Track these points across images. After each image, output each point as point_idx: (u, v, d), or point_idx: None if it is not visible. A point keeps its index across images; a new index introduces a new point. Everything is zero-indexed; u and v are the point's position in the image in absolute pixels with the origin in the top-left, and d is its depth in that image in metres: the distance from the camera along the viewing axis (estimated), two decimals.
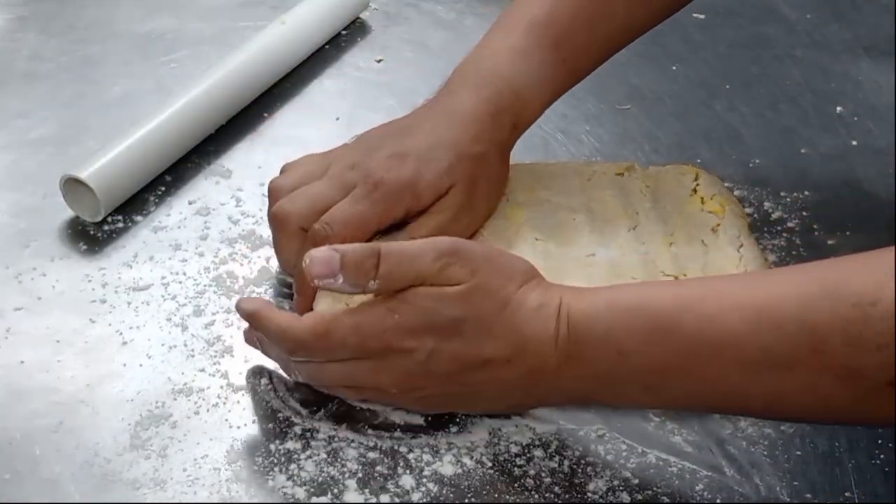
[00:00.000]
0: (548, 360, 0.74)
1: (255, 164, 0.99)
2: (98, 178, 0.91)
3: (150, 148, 0.95)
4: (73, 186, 0.92)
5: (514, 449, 0.78)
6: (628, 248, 0.88)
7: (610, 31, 0.92)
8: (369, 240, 0.83)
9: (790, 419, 0.77)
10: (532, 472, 0.76)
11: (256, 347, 0.81)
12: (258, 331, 0.79)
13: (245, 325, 0.81)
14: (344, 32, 1.14)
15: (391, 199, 0.83)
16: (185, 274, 0.89)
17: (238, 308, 0.80)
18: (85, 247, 0.91)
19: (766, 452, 0.78)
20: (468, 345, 0.74)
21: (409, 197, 0.84)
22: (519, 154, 0.98)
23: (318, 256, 0.75)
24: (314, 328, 0.75)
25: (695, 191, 0.93)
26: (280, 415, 0.79)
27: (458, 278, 0.74)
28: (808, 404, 0.70)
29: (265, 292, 0.87)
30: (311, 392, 0.80)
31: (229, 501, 0.74)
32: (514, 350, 0.74)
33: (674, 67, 1.09)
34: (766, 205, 0.96)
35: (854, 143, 1.04)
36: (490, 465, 0.77)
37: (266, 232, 0.92)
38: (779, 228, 0.94)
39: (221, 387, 0.81)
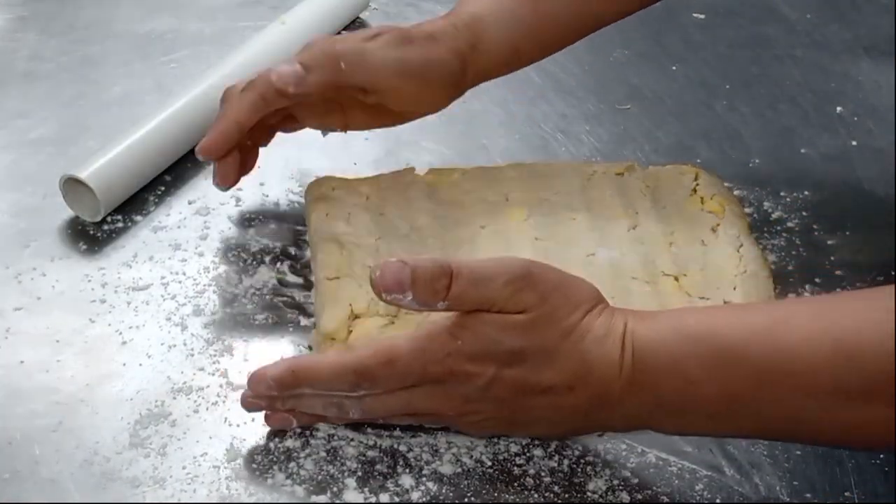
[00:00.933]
0: (611, 387, 0.73)
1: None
2: (98, 178, 0.91)
3: (150, 148, 0.95)
4: (73, 186, 0.92)
5: (514, 448, 0.77)
6: (628, 248, 0.88)
7: None
8: None
9: (861, 449, 0.76)
10: (532, 472, 0.76)
11: (286, 425, 0.77)
12: (299, 386, 0.75)
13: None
14: (344, 32, 1.14)
15: None
16: (184, 274, 0.89)
17: (265, 377, 0.75)
18: (85, 247, 0.91)
19: (766, 452, 0.78)
20: (530, 372, 0.73)
21: None
22: (519, 154, 0.98)
23: (391, 269, 0.72)
24: (377, 356, 0.73)
25: (695, 191, 0.93)
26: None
27: (527, 304, 0.72)
28: (882, 435, 0.70)
29: (265, 292, 0.87)
30: None
31: (228, 500, 0.74)
32: (577, 378, 0.73)
33: (674, 67, 1.09)
34: (766, 205, 0.96)
35: (854, 143, 1.04)
36: (489, 464, 0.77)
37: (266, 231, 0.92)
38: (779, 228, 0.94)
39: (221, 385, 0.81)
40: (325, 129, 0.95)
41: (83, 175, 0.91)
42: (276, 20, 1.09)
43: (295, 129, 0.94)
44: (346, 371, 0.74)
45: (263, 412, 0.77)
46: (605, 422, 0.75)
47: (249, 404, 0.77)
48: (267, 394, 0.76)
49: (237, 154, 0.90)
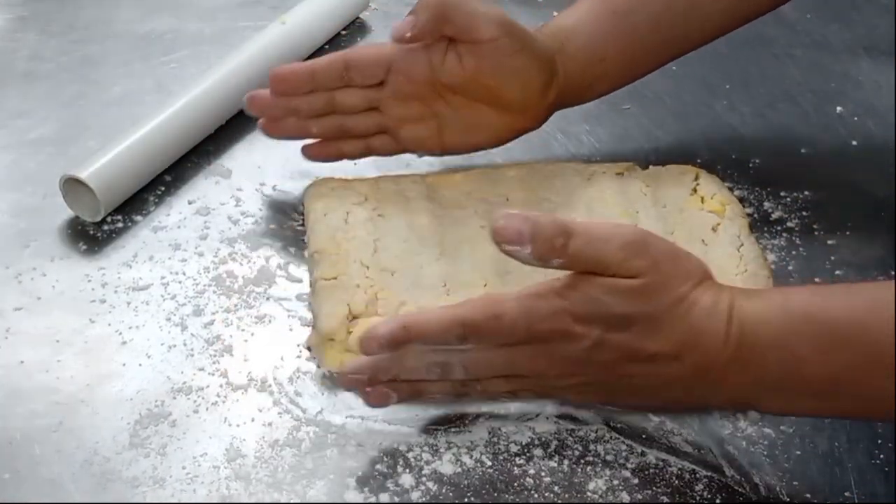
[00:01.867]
0: (715, 360, 0.73)
1: (255, 164, 0.99)
2: (98, 178, 0.91)
3: (150, 148, 0.95)
4: (73, 186, 0.92)
5: (514, 448, 0.78)
6: None
7: None
8: None
9: None
10: (532, 472, 0.76)
11: (386, 401, 0.76)
12: (410, 341, 0.74)
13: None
14: (344, 32, 1.14)
15: None
16: (184, 274, 0.89)
17: (376, 335, 0.74)
18: (85, 247, 0.91)
19: (766, 452, 0.78)
20: (636, 338, 0.73)
21: None
22: (519, 154, 0.98)
23: (513, 221, 0.73)
24: (484, 310, 0.74)
25: (695, 190, 0.93)
26: (279, 413, 0.79)
27: (639, 270, 0.73)
28: None
29: (265, 292, 0.87)
30: (311, 390, 0.81)
31: (228, 500, 0.74)
32: (682, 347, 0.73)
33: (674, 67, 1.08)
34: (766, 205, 0.96)
35: (854, 143, 1.04)
36: (489, 464, 0.77)
37: (265, 231, 0.92)
38: (779, 228, 0.94)
39: (221, 385, 0.81)
40: (421, 153, 0.95)
41: (83, 175, 0.91)
42: (276, 20, 1.08)
43: (389, 152, 0.95)
44: (455, 323, 0.74)
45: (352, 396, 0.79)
46: (703, 397, 0.76)
47: (349, 381, 0.77)
48: (378, 353, 0.75)
49: (294, 120, 0.92)
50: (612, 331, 0.73)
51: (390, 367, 0.76)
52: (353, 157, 0.95)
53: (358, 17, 1.16)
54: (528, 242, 0.73)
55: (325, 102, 0.92)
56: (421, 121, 0.92)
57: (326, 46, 1.12)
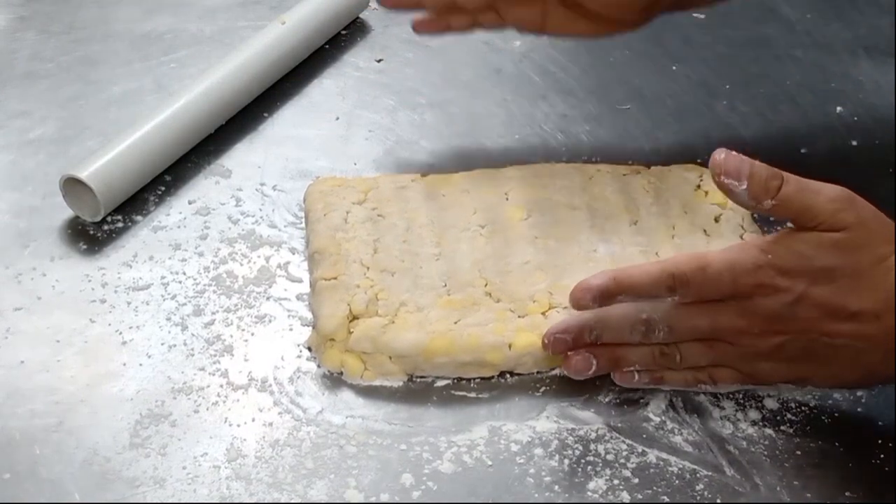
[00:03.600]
0: None
1: (254, 163, 0.99)
2: (98, 178, 0.91)
3: (150, 148, 0.95)
4: (72, 186, 0.92)
5: (514, 448, 0.78)
6: (629, 242, 0.88)
7: None
8: None
9: None
10: (532, 471, 0.76)
11: (586, 369, 0.79)
12: (620, 294, 0.77)
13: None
14: (344, 32, 1.14)
15: None
16: (184, 273, 0.89)
17: (589, 287, 0.78)
18: (85, 247, 0.91)
19: (766, 452, 0.78)
20: (838, 293, 0.75)
21: None
22: (519, 154, 0.98)
23: (733, 158, 0.77)
24: (690, 262, 0.77)
25: (698, 186, 0.93)
26: (279, 413, 0.79)
27: (846, 224, 0.75)
28: None
29: (265, 291, 0.87)
30: (311, 390, 0.81)
31: (228, 500, 0.74)
32: (882, 306, 0.75)
33: (674, 67, 1.09)
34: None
35: (854, 143, 1.04)
36: (490, 463, 0.77)
37: (265, 231, 0.92)
38: (779, 228, 0.94)
39: (221, 385, 0.81)
40: (523, 30, 0.97)
41: (83, 175, 0.91)
42: (276, 20, 1.09)
43: (494, 28, 0.97)
44: (664, 274, 0.77)
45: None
46: None
47: (556, 343, 0.79)
48: (590, 305, 0.78)
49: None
50: (815, 285, 0.75)
51: (595, 326, 0.79)
52: (460, 30, 0.97)
53: (358, 17, 1.16)
54: (745, 179, 0.76)
55: None
56: (529, 4, 0.94)
57: (326, 46, 1.12)
